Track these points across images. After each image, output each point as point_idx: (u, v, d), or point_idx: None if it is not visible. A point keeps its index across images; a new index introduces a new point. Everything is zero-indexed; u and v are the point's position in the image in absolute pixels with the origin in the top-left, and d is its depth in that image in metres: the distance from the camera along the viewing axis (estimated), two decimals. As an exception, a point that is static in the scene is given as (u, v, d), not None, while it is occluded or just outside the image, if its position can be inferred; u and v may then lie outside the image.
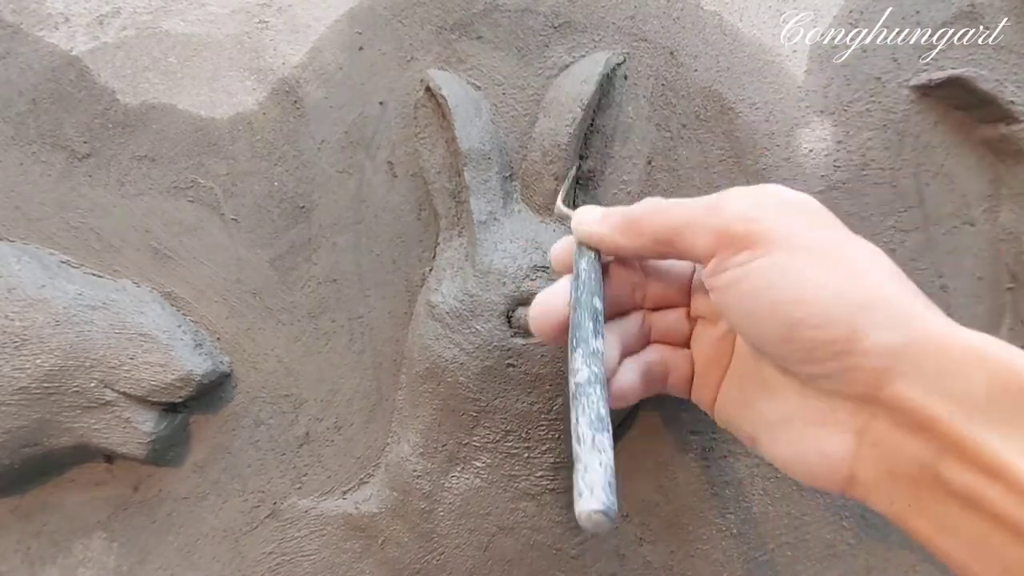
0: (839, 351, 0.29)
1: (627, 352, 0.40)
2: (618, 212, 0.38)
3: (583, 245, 0.40)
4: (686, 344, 0.41)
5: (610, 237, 0.38)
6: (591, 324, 0.36)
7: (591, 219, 0.39)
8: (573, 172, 0.50)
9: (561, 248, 0.42)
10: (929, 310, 0.30)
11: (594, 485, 0.30)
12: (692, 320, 0.41)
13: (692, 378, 0.41)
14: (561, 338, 0.38)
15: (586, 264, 0.39)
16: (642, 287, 0.41)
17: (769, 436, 0.34)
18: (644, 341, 0.41)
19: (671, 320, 0.41)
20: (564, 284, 0.39)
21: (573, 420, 0.34)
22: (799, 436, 0.32)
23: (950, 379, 0.27)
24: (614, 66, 0.53)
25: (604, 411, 0.33)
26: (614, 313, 0.41)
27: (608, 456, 0.32)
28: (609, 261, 0.41)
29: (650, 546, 0.54)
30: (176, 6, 0.55)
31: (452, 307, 0.50)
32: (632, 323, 0.41)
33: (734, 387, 0.38)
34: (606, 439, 0.32)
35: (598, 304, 0.37)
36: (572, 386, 0.35)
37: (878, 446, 0.30)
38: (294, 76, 0.55)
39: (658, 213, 0.36)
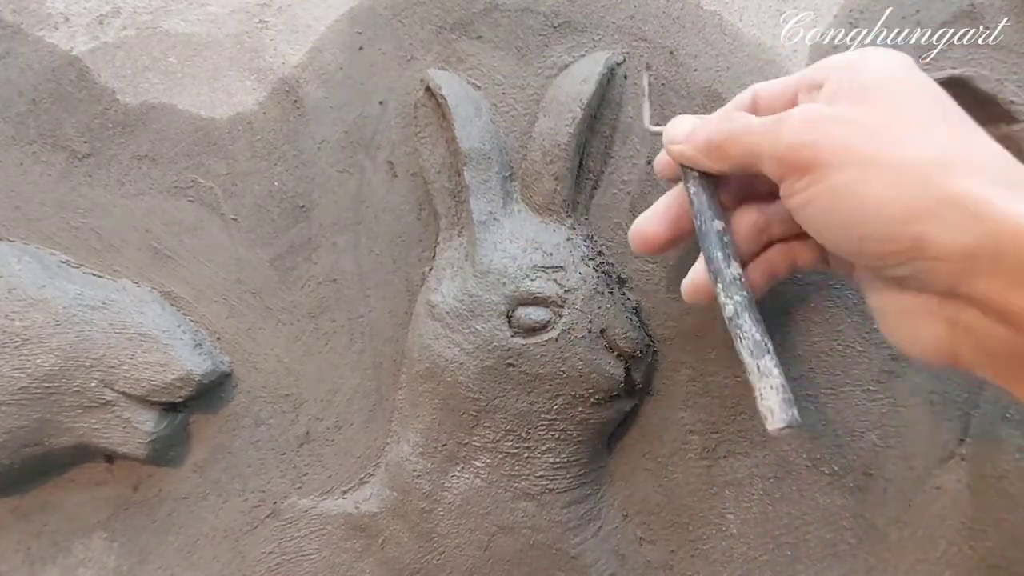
0: (908, 258, 0.31)
1: (743, 251, 0.41)
2: (703, 133, 0.38)
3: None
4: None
5: (700, 160, 0.38)
6: (719, 252, 0.38)
7: (681, 136, 0.39)
8: (646, 84, 0.49)
9: (661, 158, 0.43)
10: (1010, 192, 0.29)
11: (774, 407, 0.34)
12: None
13: (825, 253, 0.41)
14: (662, 250, 0.43)
15: (693, 185, 0.39)
16: (749, 191, 0.41)
17: (879, 319, 0.36)
18: (759, 234, 0.41)
19: (782, 211, 0.40)
20: (657, 205, 0.42)
21: (737, 351, 0.37)
22: (899, 324, 0.35)
23: None
24: (614, 66, 0.53)
25: (759, 335, 0.36)
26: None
27: (775, 377, 0.35)
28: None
29: (650, 546, 0.54)
30: (176, 6, 0.55)
31: (452, 307, 0.50)
32: (747, 220, 0.41)
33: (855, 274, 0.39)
34: (770, 361, 0.35)
35: (719, 226, 0.38)
36: (725, 320, 0.37)
37: (971, 332, 0.31)
38: (294, 76, 0.55)
39: (733, 138, 0.36)
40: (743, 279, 0.37)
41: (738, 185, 0.41)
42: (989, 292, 0.29)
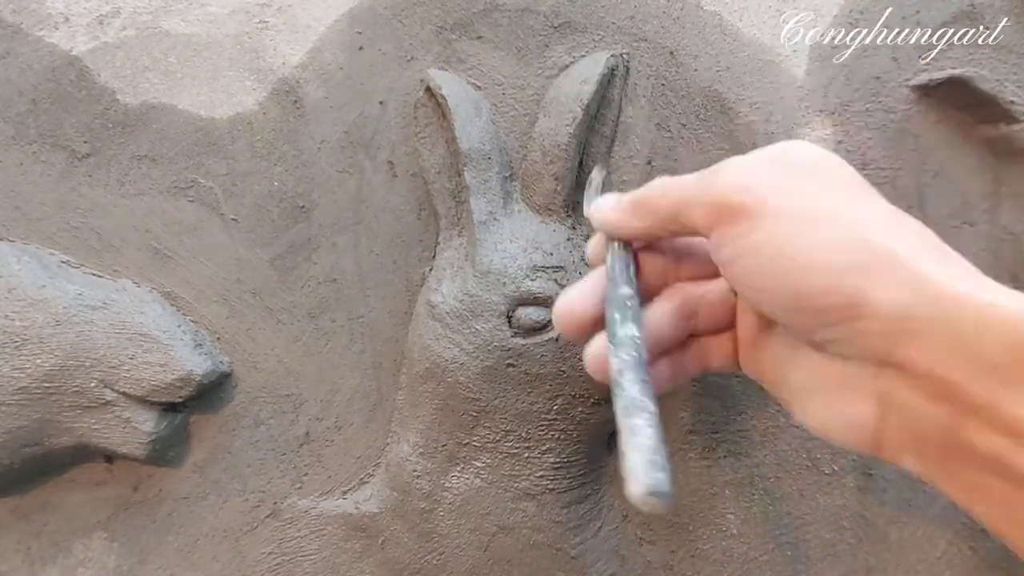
0: (845, 316, 0.29)
1: (665, 337, 0.39)
2: (628, 196, 0.38)
3: (607, 237, 0.40)
4: (727, 321, 0.40)
5: (622, 221, 0.38)
6: (618, 315, 0.36)
7: (606, 206, 0.39)
8: (599, 178, 0.48)
9: (592, 243, 0.42)
10: (945, 265, 0.28)
11: (635, 469, 0.30)
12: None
13: (736, 352, 0.40)
14: (584, 336, 0.38)
15: (611, 256, 0.39)
16: (674, 270, 0.40)
17: (798, 403, 0.34)
18: (684, 320, 0.40)
19: (708, 295, 0.40)
20: (584, 282, 0.40)
21: (614, 410, 0.34)
22: (824, 402, 0.32)
23: (966, 341, 0.26)
24: (614, 66, 0.53)
25: (636, 393, 0.33)
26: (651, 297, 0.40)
27: (645, 436, 0.31)
28: (639, 248, 0.40)
29: (650, 546, 0.54)
30: (176, 6, 0.55)
31: (452, 307, 0.50)
32: (665, 305, 0.39)
33: (766, 354, 0.37)
34: (641, 420, 0.32)
35: (626, 291, 0.37)
36: (611, 380, 0.34)
37: (901, 411, 0.29)
38: (294, 76, 0.55)
39: (662, 192, 0.36)
40: (639, 340, 0.35)
41: (662, 267, 0.40)
42: (923, 359, 0.27)
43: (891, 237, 0.29)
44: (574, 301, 0.39)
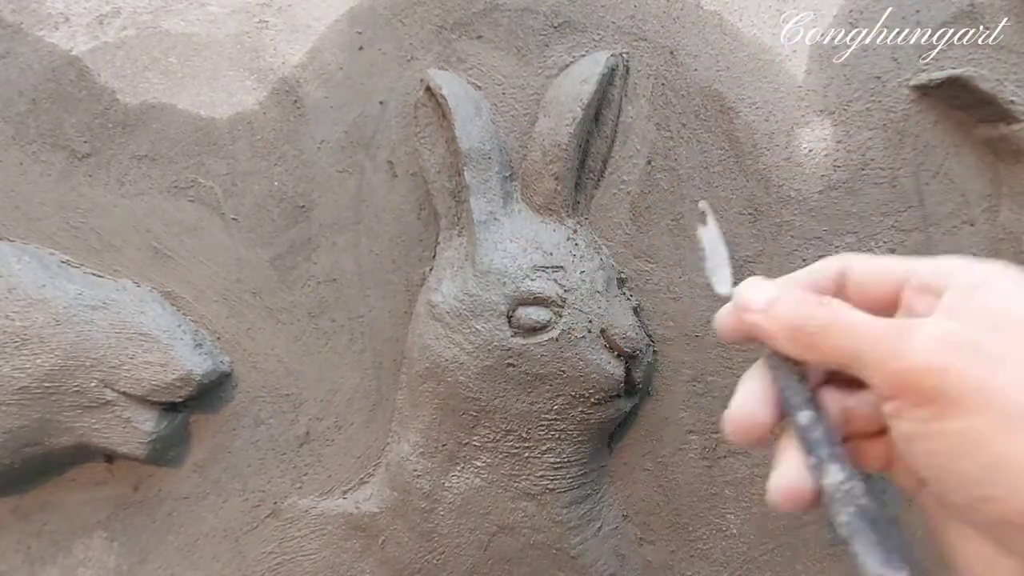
0: None
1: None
2: (786, 309, 0.31)
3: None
4: (882, 425, 0.33)
5: (779, 343, 0.31)
6: (815, 453, 0.30)
7: (756, 305, 0.32)
8: (723, 252, 0.36)
9: (723, 317, 0.34)
10: None
11: None
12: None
13: (891, 462, 0.34)
14: (765, 442, 0.33)
15: (784, 376, 0.32)
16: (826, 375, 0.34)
17: (952, 552, 0.30)
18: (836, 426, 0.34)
19: (863, 406, 0.33)
20: (748, 385, 0.33)
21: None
22: (977, 567, 0.29)
23: None
24: (614, 66, 0.53)
25: (877, 567, 0.29)
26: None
27: None
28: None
29: (650, 546, 0.54)
30: (176, 6, 0.55)
31: (452, 307, 0.50)
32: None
33: (925, 498, 0.32)
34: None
35: (806, 417, 0.31)
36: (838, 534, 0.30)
37: None
38: (294, 76, 0.55)
39: (835, 330, 0.29)
40: (851, 487, 0.30)
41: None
42: None
43: None
44: (749, 411, 0.32)
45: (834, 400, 0.32)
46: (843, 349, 0.29)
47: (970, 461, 0.26)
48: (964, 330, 0.27)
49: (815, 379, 0.33)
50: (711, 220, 0.36)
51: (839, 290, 0.32)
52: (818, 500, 0.31)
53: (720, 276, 0.35)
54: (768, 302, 0.32)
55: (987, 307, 0.27)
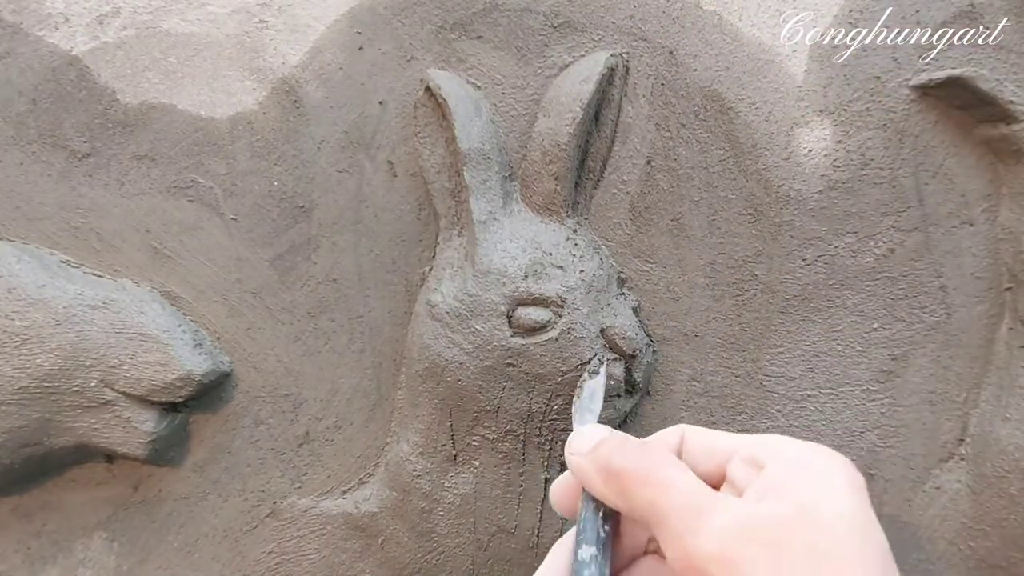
0: None
1: None
2: (607, 451, 0.31)
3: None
4: None
5: (595, 486, 0.31)
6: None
7: (582, 447, 0.32)
8: (591, 385, 0.38)
9: (560, 484, 0.34)
10: None
11: None
12: None
13: None
14: None
15: (583, 505, 0.33)
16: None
17: None
18: None
19: None
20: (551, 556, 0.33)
21: None
22: None
23: None
24: (613, 66, 0.53)
25: None
26: (628, 559, 0.33)
27: None
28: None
29: (650, 546, 0.54)
30: (176, 6, 0.55)
31: (452, 307, 0.50)
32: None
33: None
34: None
35: (584, 555, 0.31)
36: None
37: None
38: (294, 76, 0.55)
39: (647, 480, 0.29)
40: None
41: (641, 534, 0.33)
42: None
43: None
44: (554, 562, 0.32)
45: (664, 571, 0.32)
46: (650, 504, 0.28)
47: None
48: (764, 519, 0.26)
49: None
50: (602, 374, 0.38)
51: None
52: None
53: (582, 419, 0.36)
54: (593, 445, 0.32)
55: (798, 494, 0.27)
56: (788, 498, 0.27)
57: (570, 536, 0.32)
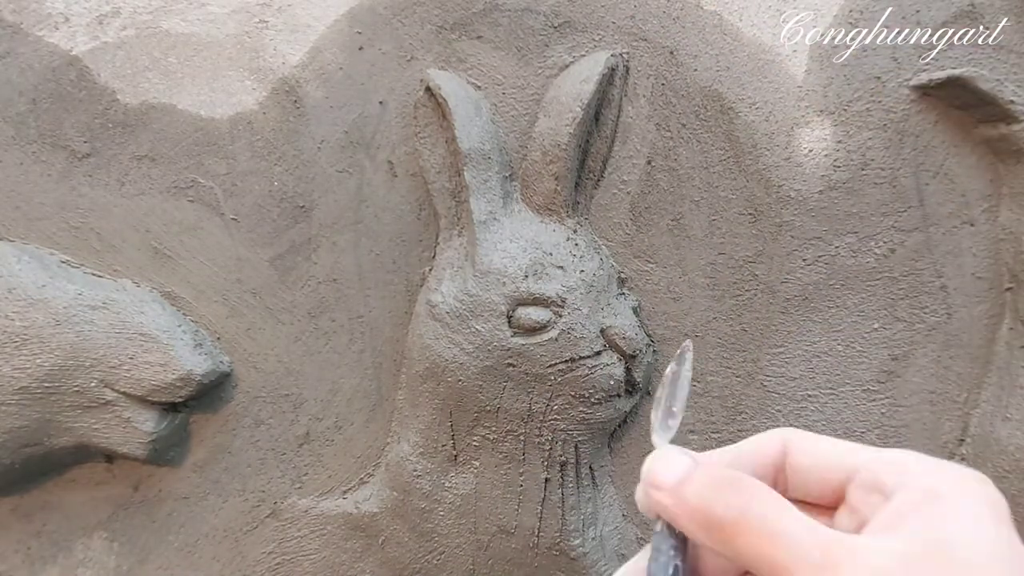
0: None
1: None
2: (696, 493, 0.27)
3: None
4: None
5: (691, 533, 0.27)
6: None
7: (665, 482, 0.28)
8: (667, 390, 0.32)
9: (639, 491, 0.30)
10: None
11: None
12: None
13: None
14: None
15: (660, 529, 0.29)
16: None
17: None
18: None
19: None
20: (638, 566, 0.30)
21: None
22: None
23: None
24: (614, 66, 0.53)
25: None
26: None
27: None
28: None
29: (650, 546, 0.54)
30: (176, 6, 0.55)
31: (452, 307, 0.50)
32: None
33: None
34: None
35: None
36: None
37: None
38: (294, 76, 0.55)
39: (753, 528, 0.25)
40: None
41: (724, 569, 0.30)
42: None
43: None
44: None
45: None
46: (762, 556, 0.25)
47: None
48: (895, 566, 0.23)
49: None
50: (688, 361, 0.32)
51: (777, 472, 0.29)
52: None
53: (664, 424, 0.31)
54: (679, 480, 0.27)
55: (937, 536, 0.24)
56: (918, 535, 0.24)
57: (643, 556, 0.29)
